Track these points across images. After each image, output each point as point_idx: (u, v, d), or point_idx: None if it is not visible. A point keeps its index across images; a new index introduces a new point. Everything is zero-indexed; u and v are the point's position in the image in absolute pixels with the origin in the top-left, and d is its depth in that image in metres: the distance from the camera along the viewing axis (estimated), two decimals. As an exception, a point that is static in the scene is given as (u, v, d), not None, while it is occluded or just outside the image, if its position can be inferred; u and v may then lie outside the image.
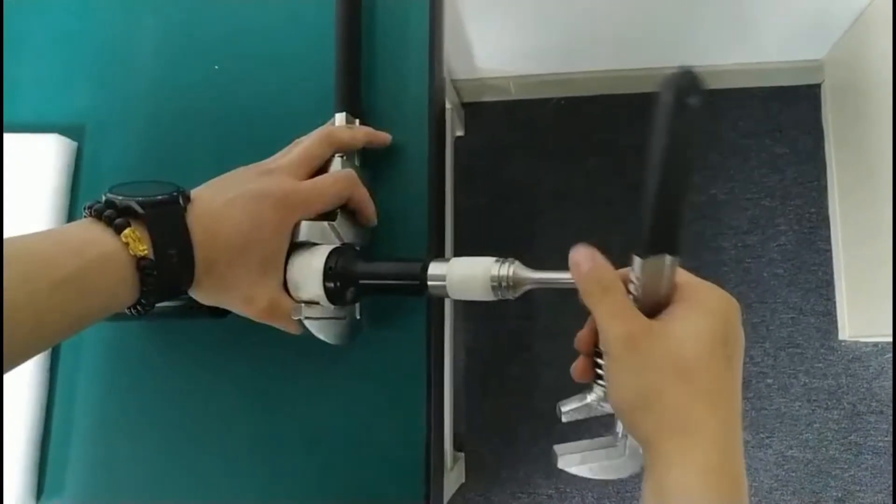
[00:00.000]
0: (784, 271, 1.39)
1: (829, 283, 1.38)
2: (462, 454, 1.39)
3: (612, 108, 1.50)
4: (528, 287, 0.41)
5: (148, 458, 0.52)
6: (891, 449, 1.31)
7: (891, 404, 1.32)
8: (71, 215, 0.55)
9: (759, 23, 1.27)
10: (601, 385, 0.40)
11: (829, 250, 1.39)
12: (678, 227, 0.33)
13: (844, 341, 1.35)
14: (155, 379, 0.53)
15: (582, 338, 0.40)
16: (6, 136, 0.55)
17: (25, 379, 0.52)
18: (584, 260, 0.37)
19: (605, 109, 1.51)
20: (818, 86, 1.44)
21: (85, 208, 0.39)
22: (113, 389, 0.53)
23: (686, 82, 0.29)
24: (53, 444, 0.53)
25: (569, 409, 0.41)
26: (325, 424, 0.50)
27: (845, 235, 1.35)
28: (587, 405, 0.40)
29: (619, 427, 0.41)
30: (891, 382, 1.33)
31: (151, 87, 0.58)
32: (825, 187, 1.41)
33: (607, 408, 0.40)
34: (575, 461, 0.41)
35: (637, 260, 0.34)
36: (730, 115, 1.47)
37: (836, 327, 1.36)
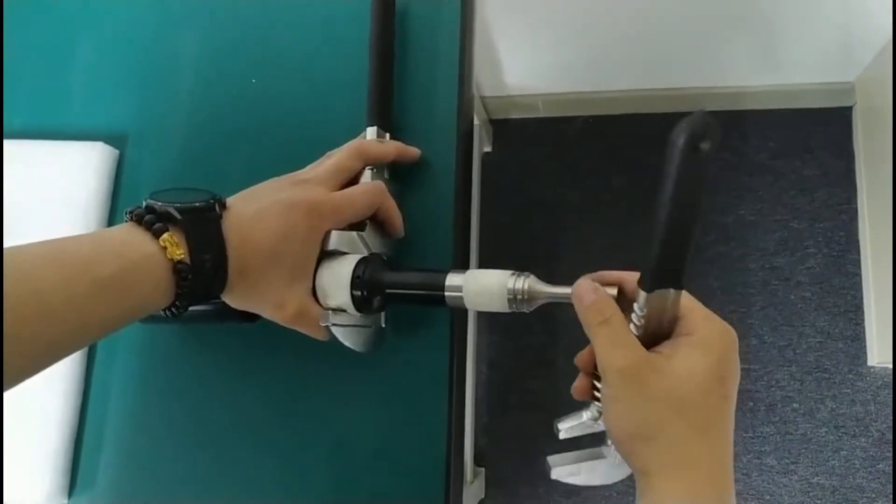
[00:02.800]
0: (812, 294, 1.38)
1: (858, 308, 1.36)
2: (482, 469, 1.38)
3: (639, 127, 1.50)
4: (542, 301, 0.42)
5: (175, 458, 0.53)
6: (921, 479, 1.28)
7: (921, 433, 1.29)
8: (111, 221, 0.58)
9: (789, 44, 1.27)
10: (598, 405, 0.41)
11: (859, 274, 1.37)
12: (683, 263, 0.34)
13: (873, 367, 1.33)
14: (185, 381, 0.54)
15: (582, 357, 0.42)
16: (52, 143, 0.58)
17: (60, 377, 0.54)
18: (586, 293, 0.38)
19: (632, 128, 1.51)
20: (850, 108, 1.43)
21: (126, 213, 0.41)
22: (145, 390, 0.55)
23: (700, 127, 0.29)
24: (86, 442, 0.54)
25: (566, 426, 0.42)
26: (347, 430, 0.51)
27: (875, 259, 1.33)
28: (583, 423, 0.42)
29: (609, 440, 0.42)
30: (921, 411, 1.30)
31: (191, 98, 0.60)
32: (855, 210, 1.40)
33: (603, 425, 0.41)
34: (567, 472, 0.44)
35: (641, 293, 0.35)
36: (759, 136, 1.46)
37: (865, 353, 1.34)
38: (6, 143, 0.57)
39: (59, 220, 0.56)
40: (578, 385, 0.42)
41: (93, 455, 0.54)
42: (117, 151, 0.59)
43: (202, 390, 0.54)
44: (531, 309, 0.42)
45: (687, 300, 0.37)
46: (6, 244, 0.41)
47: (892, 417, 1.32)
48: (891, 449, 1.30)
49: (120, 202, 0.58)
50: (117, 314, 0.38)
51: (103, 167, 0.58)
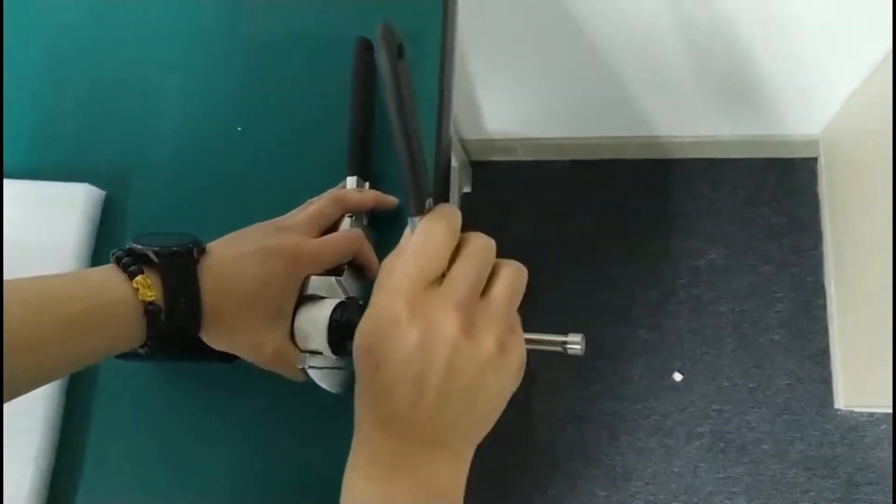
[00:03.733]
0: (781, 338, 1.41)
1: (824, 352, 1.39)
2: (456, 509, 1.38)
3: (616, 172, 1.55)
4: None
5: (150, 492, 0.54)
6: (887, 522, 1.30)
7: (888, 476, 1.32)
8: (95, 261, 0.59)
9: (756, 98, 1.33)
10: None
11: (825, 318, 1.41)
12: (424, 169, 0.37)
13: (840, 410, 1.36)
14: (161, 416, 0.55)
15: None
16: (37, 183, 0.59)
17: (38, 410, 0.54)
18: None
19: (609, 173, 1.55)
20: (814, 159, 1.49)
21: (111, 254, 0.43)
22: (120, 424, 0.56)
23: (392, 35, 0.33)
24: (61, 478, 0.55)
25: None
26: (322, 469, 0.52)
27: (840, 304, 1.37)
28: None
29: None
30: (888, 454, 1.33)
31: (177, 140, 0.62)
32: (821, 256, 1.44)
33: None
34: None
35: (417, 219, 0.37)
36: (730, 184, 1.51)
37: (832, 395, 1.37)
38: (-8, 183, 0.58)
39: (43, 261, 0.57)
40: None
41: (68, 489, 0.55)
42: (103, 192, 0.61)
43: (175, 426, 0.55)
44: None
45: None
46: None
47: (858, 460, 1.34)
48: (857, 491, 1.33)
49: (105, 243, 0.60)
50: (84, 351, 0.40)
51: (88, 208, 0.59)
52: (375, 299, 0.37)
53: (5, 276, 0.38)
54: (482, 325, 0.36)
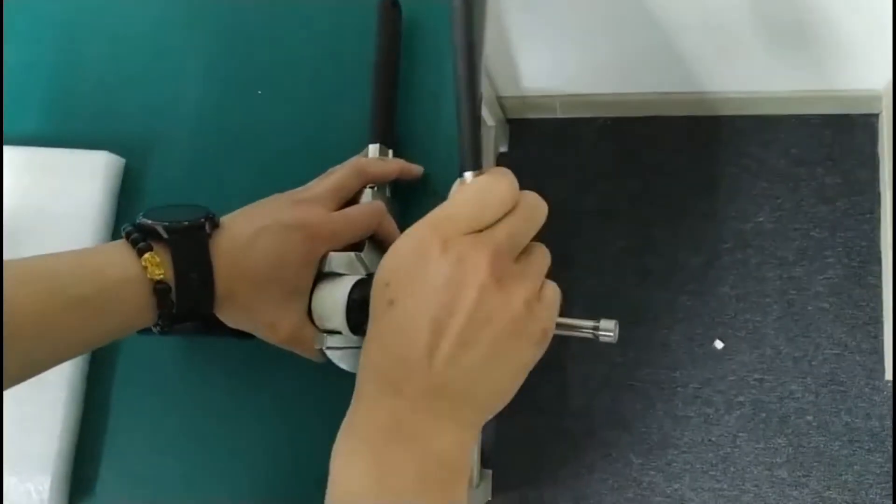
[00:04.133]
0: (830, 305, 1.35)
1: (877, 321, 1.33)
2: (489, 471, 1.38)
3: (658, 130, 1.48)
4: None
5: (172, 467, 0.54)
6: (936, 497, 1.26)
7: (939, 450, 1.27)
8: (116, 229, 0.58)
9: (814, 49, 1.24)
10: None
11: (879, 286, 1.34)
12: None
13: (890, 382, 1.30)
14: (182, 394, 0.55)
15: None
16: (58, 151, 0.58)
17: (59, 386, 0.54)
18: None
19: (651, 131, 1.49)
20: (875, 116, 1.39)
21: (123, 230, 0.41)
22: (144, 400, 0.55)
23: None
24: (85, 451, 0.55)
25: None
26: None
27: (897, 272, 1.30)
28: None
29: None
30: (940, 427, 1.27)
31: (197, 107, 0.60)
32: (878, 220, 1.36)
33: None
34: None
35: (468, 175, 0.35)
36: (780, 143, 1.43)
37: (884, 367, 1.31)
38: (11, 150, 0.57)
39: (64, 229, 0.56)
40: None
41: (92, 463, 0.55)
42: (123, 160, 0.59)
43: (198, 402, 0.54)
44: None
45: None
46: (8, 254, 0.42)
47: (908, 433, 1.29)
48: (906, 466, 1.28)
49: (125, 211, 0.59)
50: (96, 333, 0.39)
51: (109, 176, 0.58)
52: (406, 232, 0.34)
53: (25, 246, 0.37)
54: (514, 281, 0.34)
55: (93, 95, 0.62)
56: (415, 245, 0.33)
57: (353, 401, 0.35)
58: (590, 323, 0.39)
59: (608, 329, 0.39)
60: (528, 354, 0.35)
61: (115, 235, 0.58)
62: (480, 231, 0.33)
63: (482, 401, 0.34)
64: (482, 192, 0.34)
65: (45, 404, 0.53)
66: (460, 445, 0.33)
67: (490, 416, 0.35)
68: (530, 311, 0.34)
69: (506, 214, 0.34)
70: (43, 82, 0.62)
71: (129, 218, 0.58)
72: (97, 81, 0.62)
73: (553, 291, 0.36)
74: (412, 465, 0.32)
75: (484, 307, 0.32)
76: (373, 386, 0.34)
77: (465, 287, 0.32)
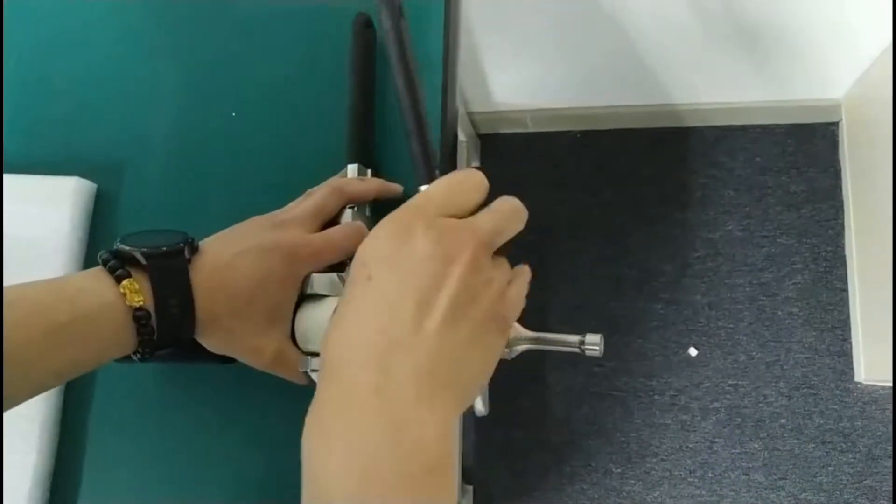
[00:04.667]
0: (799, 310, 1.38)
1: (845, 324, 1.36)
2: (470, 487, 1.38)
3: (628, 142, 1.50)
4: (523, 347, 0.41)
5: (149, 493, 0.52)
6: (908, 495, 1.29)
7: (908, 448, 1.30)
8: (88, 256, 0.57)
9: (776, 61, 1.27)
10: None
11: (846, 290, 1.37)
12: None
13: (860, 383, 1.33)
14: (160, 415, 0.53)
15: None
16: (27, 177, 0.57)
17: (35, 416, 0.53)
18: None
19: (621, 143, 1.51)
20: (836, 124, 1.43)
21: (99, 257, 0.40)
22: (120, 425, 0.54)
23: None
24: (60, 478, 0.53)
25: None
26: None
27: (861, 275, 1.34)
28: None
29: None
30: (908, 426, 1.30)
31: (171, 130, 0.59)
32: (842, 226, 1.40)
33: None
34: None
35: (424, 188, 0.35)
36: (746, 152, 1.46)
37: (853, 368, 1.34)
38: (-20, 177, 0.56)
39: (34, 255, 0.55)
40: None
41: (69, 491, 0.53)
42: (94, 185, 0.58)
43: (178, 426, 0.53)
44: (512, 357, 0.42)
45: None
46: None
47: (879, 433, 1.32)
48: (877, 465, 1.31)
49: (98, 237, 0.57)
50: (74, 361, 0.38)
51: (80, 201, 0.57)
52: (385, 219, 0.33)
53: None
54: (493, 267, 0.33)
55: (63, 120, 0.61)
56: (395, 227, 0.32)
57: (321, 382, 0.31)
58: (576, 338, 0.39)
59: (594, 343, 0.39)
60: (501, 342, 0.34)
61: (87, 261, 0.57)
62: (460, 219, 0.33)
63: (464, 384, 0.32)
64: (455, 178, 0.34)
65: (17, 435, 0.52)
66: (446, 444, 0.30)
67: (467, 405, 0.33)
68: (503, 299, 0.33)
69: (482, 207, 0.34)
70: (12, 107, 0.61)
71: (101, 244, 0.58)
72: (68, 105, 0.61)
73: (524, 283, 0.36)
74: (396, 449, 0.29)
75: (470, 284, 0.31)
76: (349, 366, 0.30)
77: (453, 263, 0.31)
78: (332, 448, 0.29)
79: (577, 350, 0.40)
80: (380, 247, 0.32)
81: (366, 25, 0.56)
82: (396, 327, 0.30)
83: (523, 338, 0.41)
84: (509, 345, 0.41)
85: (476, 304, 0.32)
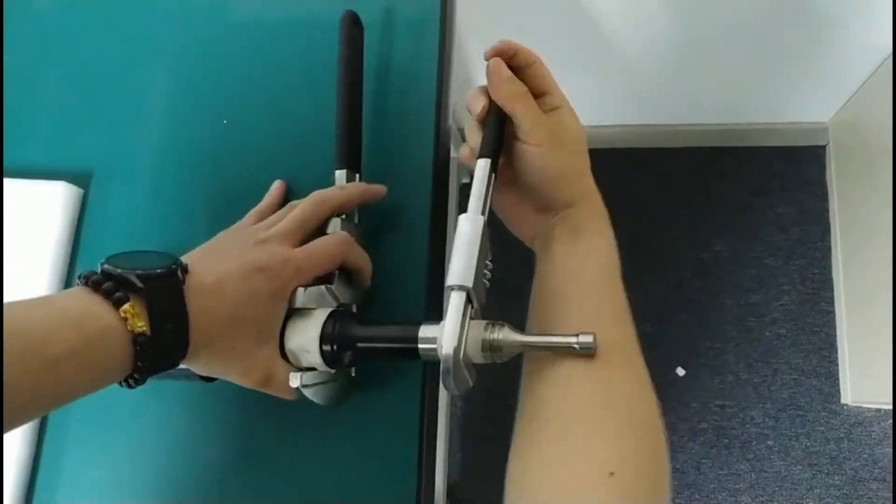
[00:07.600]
0: (787, 332, 1.39)
1: (831, 345, 1.37)
2: (455, 505, 1.36)
3: (618, 162, 1.51)
4: (518, 350, 0.41)
5: (132, 484, 0.51)
6: (893, 518, 1.28)
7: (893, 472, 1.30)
8: (73, 263, 0.56)
9: (767, 85, 1.29)
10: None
11: (832, 312, 1.38)
12: None
13: (846, 405, 1.33)
14: (146, 435, 0.52)
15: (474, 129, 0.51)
16: (14, 181, 0.56)
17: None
18: (503, 68, 0.49)
19: (611, 162, 1.52)
20: (823, 147, 1.45)
21: (79, 277, 0.38)
22: (102, 447, 0.53)
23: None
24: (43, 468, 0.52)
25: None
26: (317, 484, 0.50)
27: (848, 297, 1.34)
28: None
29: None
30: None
31: (159, 136, 0.59)
32: (829, 248, 1.41)
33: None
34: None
35: None
36: (736, 173, 1.47)
37: (839, 391, 1.35)
38: (-36, 181, 0.55)
39: (21, 260, 0.54)
40: (467, 152, 0.51)
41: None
42: (81, 190, 0.57)
43: (162, 446, 0.52)
44: (504, 360, 0.42)
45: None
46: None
47: (865, 456, 1.32)
48: (863, 488, 1.31)
49: (83, 243, 0.57)
50: (73, 388, 0.35)
51: (67, 206, 0.56)
52: None
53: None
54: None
55: (52, 125, 0.60)
56: None
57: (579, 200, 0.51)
58: (570, 339, 0.40)
59: (587, 341, 0.40)
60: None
61: (72, 266, 0.56)
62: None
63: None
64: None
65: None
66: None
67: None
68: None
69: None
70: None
71: (88, 249, 0.57)
72: (56, 110, 0.60)
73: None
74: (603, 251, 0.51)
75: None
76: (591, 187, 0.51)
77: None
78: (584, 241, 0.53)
79: (574, 348, 0.40)
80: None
81: (353, 22, 0.55)
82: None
83: (515, 342, 0.41)
84: (500, 349, 0.41)
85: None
